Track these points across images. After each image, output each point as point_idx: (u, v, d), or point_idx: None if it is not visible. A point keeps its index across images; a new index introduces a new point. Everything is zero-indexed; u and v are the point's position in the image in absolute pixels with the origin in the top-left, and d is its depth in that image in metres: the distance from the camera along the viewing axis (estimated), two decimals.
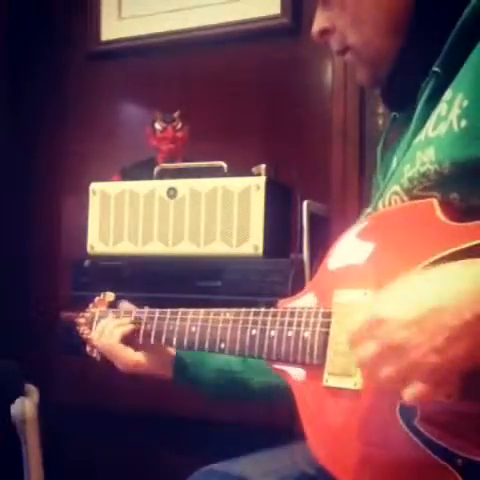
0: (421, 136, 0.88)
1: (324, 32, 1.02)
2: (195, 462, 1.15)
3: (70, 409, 2.02)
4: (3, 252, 2.24)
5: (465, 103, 0.81)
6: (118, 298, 1.30)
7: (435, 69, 0.90)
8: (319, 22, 1.02)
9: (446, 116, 0.84)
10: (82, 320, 1.31)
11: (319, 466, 0.89)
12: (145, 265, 1.85)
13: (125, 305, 1.26)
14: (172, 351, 1.20)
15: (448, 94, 0.86)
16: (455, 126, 0.82)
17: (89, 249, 1.92)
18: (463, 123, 0.81)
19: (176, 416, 1.53)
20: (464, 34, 0.87)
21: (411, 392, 0.70)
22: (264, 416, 1.58)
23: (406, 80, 0.96)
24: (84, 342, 1.30)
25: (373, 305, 0.74)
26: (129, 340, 1.20)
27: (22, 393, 1.86)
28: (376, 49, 0.99)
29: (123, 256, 1.87)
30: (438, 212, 0.82)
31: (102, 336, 1.22)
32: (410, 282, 0.74)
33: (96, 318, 1.28)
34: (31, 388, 1.89)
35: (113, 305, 1.30)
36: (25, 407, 1.83)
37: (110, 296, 1.31)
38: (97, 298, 1.32)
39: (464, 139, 0.81)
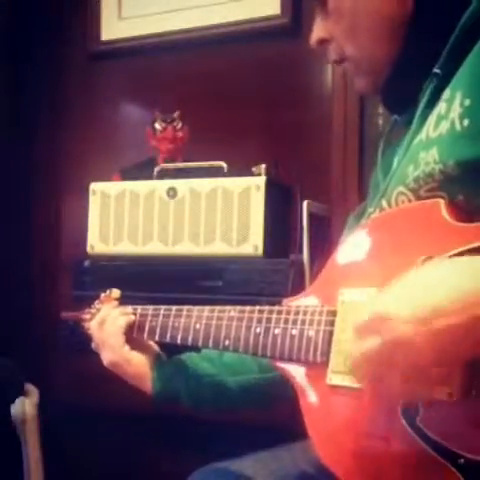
0: (422, 136, 0.88)
1: (322, 42, 1.03)
2: (195, 462, 1.15)
3: (70, 409, 2.02)
4: (3, 252, 2.24)
5: (467, 102, 0.81)
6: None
7: (436, 71, 0.90)
8: (317, 32, 1.03)
9: (446, 115, 0.84)
10: (88, 316, 1.30)
11: (319, 465, 0.89)
12: (145, 265, 1.85)
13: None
14: (153, 364, 1.20)
15: (446, 93, 0.85)
16: (457, 125, 0.82)
17: (89, 249, 1.92)
18: (466, 122, 0.81)
19: (176, 416, 1.53)
20: (465, 35, 0.86)
21: (412, 391, 0.70)
22: (264, 415, 1.58)
23: (406, 83, 0.96)
24: (89, 339, 1.30)
25: (378, 301, 0.74)
26: (129, 333, 1.19)
27: (22, 393, 1.86)
28: (374, 58, 0.99)
29: (123, 256, 1.87)
30: (444, 212, 0.82)
31: (104, 324, 1.21)
32: (415, 278, 0.73)
33: None
34: (31, 388, 1.89)
35: (119, 302, 1.29)
36: (25, 407, 1.83)
37: (116, 293, 1.30)
38: (103, 295, 1.31)
39: (468, 138, 0.81)
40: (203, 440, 1.83)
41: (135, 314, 1.20)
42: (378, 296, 0.75)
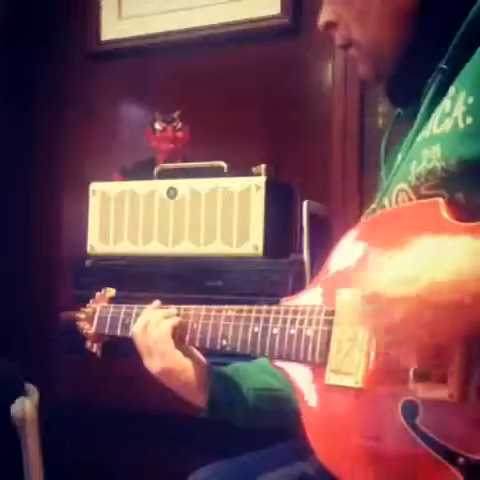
0: (425, 132, 0.89)
1: (329, 25, 1.02)
2: (196, 461, 1.15)
3: (70, 409, 2.01)
4: (3, 252, 2.24)
5: (470, 100, 0.81)
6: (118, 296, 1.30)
7: (442, 66, 0.90)
8: (325, 15, 1.02)
9: (450, 112, 0.84)
10: (82, 315, 1.30)
11: (319, 465, 0.89)
12: (145, 265, 1.85)
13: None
14: (206, 373, 1.12)
15: (451, 90, 0.86)
16: (460, 123, 0.82)
17: (89, 249, 1.92)
18: (469, 120, 0.81)
19: (176, 415, 1.53)
20: (472, 30, 0.87)
21: (406, 359, 0.72)
22: None
23: (411, 76, 0.96)
24: (84, 337, 1.30)
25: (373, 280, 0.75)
26: (175, 336, 1.11)
27: (22, 393, 1.85)
28: (380, 44, 0.98)
29: (123, 256, 1.87)
30: (444, 212, 0.82)
31: (148, 328, 1.12)
32: (414, 255, 0.74)
33: (97, 313, 1.27)
34: (31, 388, 1.89)
35: (114, 300, 1.29)
36: (25, 407, 1.83)
37: (111, 292, 1.31)
38: (98, 294, 1.32)
39: (470, 136, 0.81)
40: (204, 439, 1.83)
41: (179, 314, 1.13)
42: (379, 270, 0.76)
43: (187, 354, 1.12)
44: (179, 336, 1.12)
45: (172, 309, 1.14)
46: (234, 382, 1.13)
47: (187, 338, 1.11)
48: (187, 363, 1.11)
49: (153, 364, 1.11)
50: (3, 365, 1.86)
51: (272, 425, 1.17)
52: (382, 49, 0.98)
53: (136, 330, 1.15)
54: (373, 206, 1.00)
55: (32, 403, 1.85)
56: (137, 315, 1.18)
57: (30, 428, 1.84)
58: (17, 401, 1.83)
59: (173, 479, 1.22)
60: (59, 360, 2.06)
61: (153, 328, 1.12)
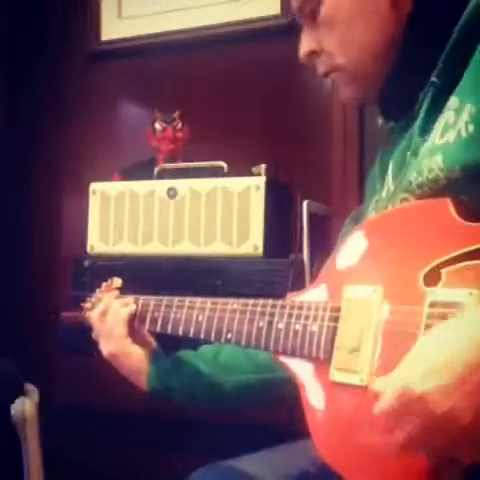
0: (427, 145, 0.89)
1: (312, 54, 1.02)
2: (195, 462, 1.15)
3: (70, 409, 2.01)
4: (3, 252, 2.24)
5: (473, 110, 0.83)
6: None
7: (433, 79, 0.91)
8: (306, 44, 1.02)
9: (454, 124, 0.85)
10: (88, 305, 1.29)
11: (321, 464, 0.89)
12: (145, 265, 1.85)
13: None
14: (150, 358, 1.20)
15: (454, 102, 0.86)
16: (463, 132, 0.83)
17: (89, 249, 1.92)
18: (471, 128, 0.82)
19: (176, 416, 1.53)
20: (461, 43, 0.88)
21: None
22: (264, 415, 1.58)
23: (403, 90, 0.97)
24: (90, 328, 1.29)
25: (400, 380, 0.71)
26: (131, 325, 1.19)
27: (22, 393, 1.85)
28: (365, 68, 0.99)
29: (123, 256, 1.87)
30: (452, 211, 0.81)
31: (105, 315, 1.20)
32: (428, 345, 0.72)
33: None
34: (31, 388, 1.88)
35: (121, 291, 1.29)
36: (25, 407, 1.83)
37: (117, 282, 1.30)
38: (104, 284, 1.31)
39: (472, 143, 0.81)
40: (203, 440, 1.83)
41: (137, 304, 1.20)
42: (396, 372, 0.73)
43: (137, 340, 1.19)
44: (136, 323, 1.19)
45: (130, 298, 1.21)
46: (174, 368, 1.20)
47: (147, 324, 1.18)
48: (134, 350, 1.19)
49: (103, 347, 1.20)
50: (3, 365, 1.86)
51: (210, 407, 1.29)
52: (368, 72, 0.99)
53: (94, 316, 1.22)
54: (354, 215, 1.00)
55: (32, 403, 1.85)
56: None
57: (30, 428, 1.84)
58: (17, 401, 1.83)
59: None
60: (59, 360, 2.06)
61: (111, 315, 1.20)
